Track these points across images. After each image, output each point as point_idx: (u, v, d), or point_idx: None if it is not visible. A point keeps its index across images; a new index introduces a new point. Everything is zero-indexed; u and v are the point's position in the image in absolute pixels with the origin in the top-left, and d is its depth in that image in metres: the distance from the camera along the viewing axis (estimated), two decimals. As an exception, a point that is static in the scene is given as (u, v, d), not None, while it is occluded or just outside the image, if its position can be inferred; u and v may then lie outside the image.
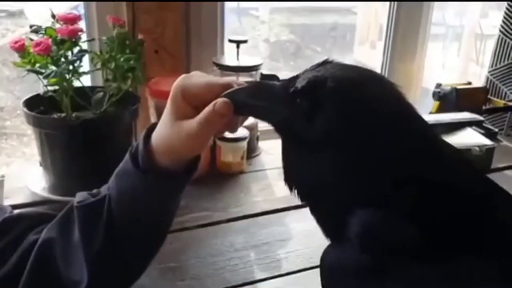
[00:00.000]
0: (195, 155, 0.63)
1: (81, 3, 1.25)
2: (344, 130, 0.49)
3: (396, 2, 1.58)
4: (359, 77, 0.53)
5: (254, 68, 1.23)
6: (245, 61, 1.24)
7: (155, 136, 0.61)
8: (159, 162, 0.61)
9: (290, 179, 0.56)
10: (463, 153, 1.13)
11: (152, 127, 0.62)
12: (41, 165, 1.06)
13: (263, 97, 0.57)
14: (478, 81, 1.62)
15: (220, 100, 0.56)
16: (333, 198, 0.51)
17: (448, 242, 0.47)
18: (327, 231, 0.55)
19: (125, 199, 0.62)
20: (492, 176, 0.54)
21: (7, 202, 1.01)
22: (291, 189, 0.56)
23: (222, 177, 1.18)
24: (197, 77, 0.60)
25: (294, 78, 0.54)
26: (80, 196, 0.66)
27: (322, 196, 0.53)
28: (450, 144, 0.54)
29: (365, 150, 0.49)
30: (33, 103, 1.02)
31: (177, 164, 0.61)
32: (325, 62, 0.54)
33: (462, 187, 0.50)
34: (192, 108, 0.58)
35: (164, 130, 0.60)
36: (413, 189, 0.48)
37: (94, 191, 0.67)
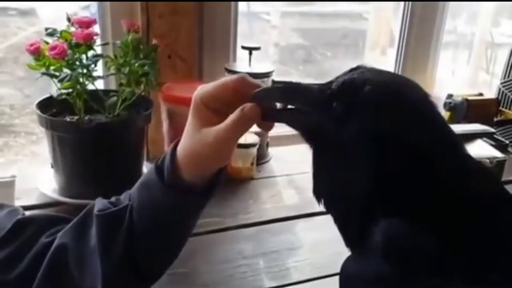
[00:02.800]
0: (219, 166, 0.61)
1: (93, 2, 1.26)
2: (379, 133, 0.49)
3: (409, 11, 1.58)
4: (396, 82, 0.53)
5: (266, 74, 1.23)
6: (257, 68, 1.24)
7: (180, 147, 0.61)
8: (184, 176, 0.60)
9: (318, 188, 0.56)
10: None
11: (180, 140, 0.62)
12: (52, 167, 1.06)
13: (297, 98, 0.57)
14: (488, 91, 1.61)
15: (248, 104, 0.56)
16: (359, 206, 0.51)
17: (472, 256, 0.47)
18: (349, 241, 0.55)
19: (147, 211, 0.62)
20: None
21: (18, 203, 1.02)
22: (318, 200, 0.56)
23: (231, 183, 1.18)
24: (213, 82, 0.60)
25: (330, 83, 0.54)
26: (100, 204, 0.65)
27: (349, 203, 0.53)
28: (475, 159, 0.55)
29: (397, 156, 0.49)
30: (46, 105, 1.03)
31: (201, 178, 0.61)
32: (359, 67, 0.55)
33: (488, 202, 0.51)
34: (214, 113, 0.58)
35: (189, 139, 0.60)
36: (442, 201, 0.49)
37: (113, 199, 0.66)
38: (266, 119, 0.59)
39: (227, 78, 0.60)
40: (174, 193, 0.60)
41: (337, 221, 0.56)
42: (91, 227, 0.65)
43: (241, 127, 0.57)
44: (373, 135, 0.49)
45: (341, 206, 0.55)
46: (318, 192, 0.56)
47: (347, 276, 0.53)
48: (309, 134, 0.57)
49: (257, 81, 0.60)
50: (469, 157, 0.54)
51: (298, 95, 0.57)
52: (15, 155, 2.54)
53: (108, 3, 1.20)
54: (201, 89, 0.59)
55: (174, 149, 0.62)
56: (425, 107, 0.51)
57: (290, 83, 0.59)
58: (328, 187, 0.55)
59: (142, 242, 0.63)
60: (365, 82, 0.51)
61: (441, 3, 1.58)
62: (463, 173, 0.51)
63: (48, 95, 1.03)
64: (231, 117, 0.57)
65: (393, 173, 0.49)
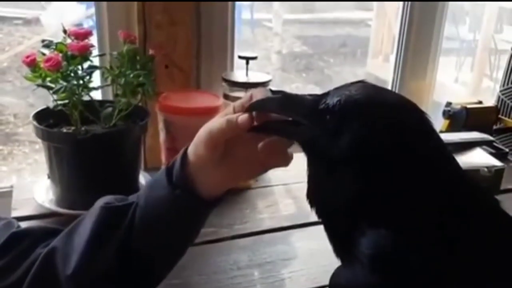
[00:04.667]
0: (211, 159, 0.62)
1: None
2: (369, 151, 0.50)
3: (407, 16, 1.58)
4: (391, 101, 0.54)
5: (263, 84, 1.23)
6: (254, 77, 1.24)
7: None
8: (191, 176, 0.62)
9: (311, 195, 0.57)
10: (473, 175, 1.14)
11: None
12: (49, 177, 1.07)
13: (292, 109, 0.58)
14: (491, 97, 1.60)
15: (244, 115, 0.59)
16: (348, 216, 0.52)
17: (458, 268, 0.48)
18: (338, 250, 0.56)
19: (150, 210, 0.64)
20: (501, 198, 0.54)
21: (14, 214, 1.03)
22: (311, 205, 0.57)
23: (228, 192, 1.18)
24: None
25: (325, 95, 0.55)
26: (107, 198, 0.68)
27: (338, 213, 0.54)
28: (466, 174, 0.55)
29: (386, 171, 0.50)
30: (43, 116, 1.03)
31: (207, 182, 0.63)
32: (358, 82, 0.56)
33: (474, 214, 0.52)
34: None
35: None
36: (428, 214, 0.50)
37: (119, 197, 0.68)
38: (262, 131, 0.60)
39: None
40: (177, 193, 0.62)
41: (327, 229, 0.57)
42: (82, 225, 0.66)
43: (229, 132, 0.60)
44: (363, 150, 0.51)
45: (331, 215, 0.56)
46: (311, 198, 0.58)
47: (336, 286, 0.53)
48: (303, 145, 0.58)
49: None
50: (459, 171, 0.54)
51: (293, 107, 0.58)
52: (19, 164, 2.56)
53: (105, 14, 1.20)
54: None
55: (185, 152, 0.64)
56: (418, 128, 0.53)
57: (285, 94, 0.60)
58: (320, 195, 0.57)
59: (140, 242, 0.64)
60: (360, 99, 0.52)
61: (439, 8, 1.58)
62: (450, 187, 0.52)
63: (44, 106, 1.03)
64: (227, 117, 0.60)
65: (381, 187, 0.50)
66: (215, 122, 0.61)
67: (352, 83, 0.56)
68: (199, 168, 0.62)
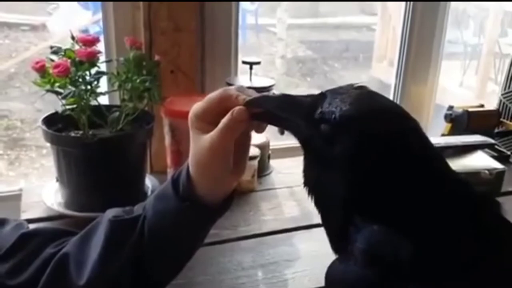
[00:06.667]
0: (224, 176, 0.64)
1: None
2: (361, 161, 0.52)
3: (409, 21, 1.59)
4: (386, 115, 0.55)
5: (267, 88, 1.25)
6: (258, 82, 1.26)
7: (189, 161, 0.64)
8: (198, 190, 0.63)
9: (308, 183, 0.59)
10: (471, 178, 1.16)
11: None
12: (57, 180, 1.09)
13: (290, 111, 0.59)
14: (496, 101, 1.61)
15: (237, 107, 0.60)
16: (342, 211, 0.54)
17: (450, 264, 0.49)
18: (333, 242, 0.58)
19: (159, 222, 0.65)
20: (502, 200, 0.56)
21: (24, 216, 1.05)
22: (308, 193, 0.59)
23: (234, 200, 1.19)
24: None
25: (322, 99, 0.56)
26: (114, 211, 0.69)
27: (333, 207, 0.56)
28: (457, 176, 0.56)
29: (376, 179, 0.52)
30: (52, 120, 1.06)
31: (213, 191, 0.64)
32: (357, 88, 0.57)
33: (463, 209, 0.53)
34: (209, 125, 0.62)
35: (192, 151, 0.63)
36: (419, 210, 0.51)
37: (127, 208, 0.70)
38: (259, 119, 0.62)
39: (212, 93, 0.64)
40: (186, 206, 0.63)
41: (323, 220, 0.59)
42: (95, 236, 0.68)
43: (232, 129, 0.60)
44: (355, 161, 0.52)
45: (326, 207, 0.58)
46: (308, 186, 0.60)
47: (331, 280, 0.55)
48: (299, 141, 0.60)
49: (240, 88, 0.63)
50: (448, 173, 0.55)
51: (291, 108, 0.59)
52: (26, 168, 2.59)
53: (112, 21, 1.23)
54: (193, 106, 0.64)
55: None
56: (407, 137, 0.54)
57: (284, 94, 0.62)
58: (315, 187, 0.59)
59: (148, 253, 0.66)
60: (354, 113, 0.53)
61: (440, 12, 1.59)
62: (441, 188, 0.53)
63: (53, 111, 1.06)
64: (222, 121, 0.60)
65: (373, 190, 0.52)
66: (212, 133, 0.62)
67: (350, 88, 0.56)
68: (205, 179, 0.64)
